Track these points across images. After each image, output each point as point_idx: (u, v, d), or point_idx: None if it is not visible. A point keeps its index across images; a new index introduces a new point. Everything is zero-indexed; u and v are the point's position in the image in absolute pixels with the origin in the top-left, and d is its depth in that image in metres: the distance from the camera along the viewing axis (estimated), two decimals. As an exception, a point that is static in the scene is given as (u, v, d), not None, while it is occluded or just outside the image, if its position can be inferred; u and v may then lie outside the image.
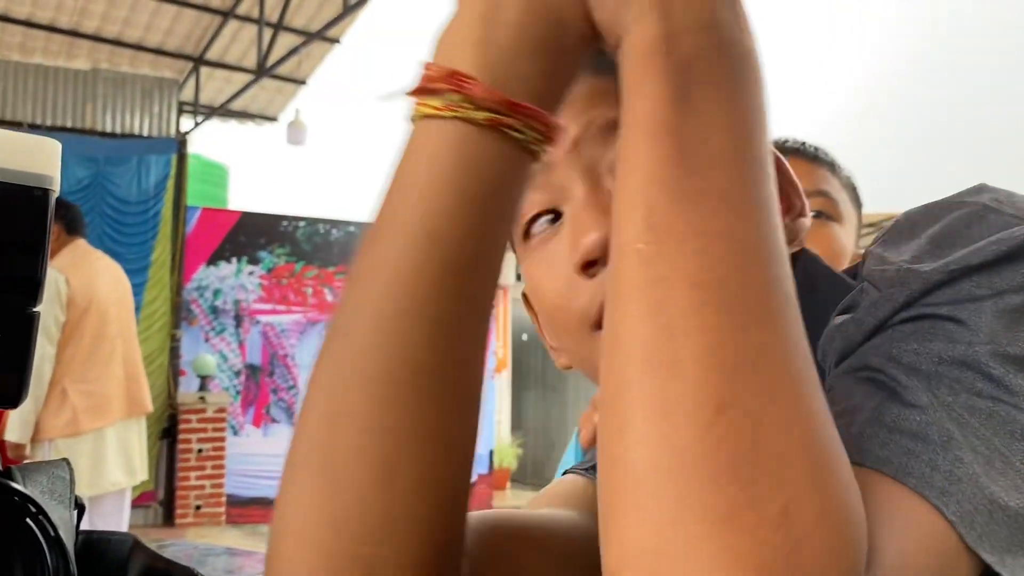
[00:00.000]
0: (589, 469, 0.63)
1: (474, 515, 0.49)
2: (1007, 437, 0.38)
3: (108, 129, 7.10)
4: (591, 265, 0.50)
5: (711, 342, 0.31)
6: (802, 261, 0.58)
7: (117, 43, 6.77)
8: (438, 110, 0.39)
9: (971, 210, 0.45)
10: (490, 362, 7.75)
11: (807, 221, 0.59)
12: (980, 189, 0.48)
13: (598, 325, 0.50)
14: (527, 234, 0.55)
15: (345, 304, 0.39)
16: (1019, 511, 0.37)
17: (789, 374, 0.32)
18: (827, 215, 1.22)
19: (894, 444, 0.38)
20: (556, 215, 0.54)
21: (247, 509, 6.79)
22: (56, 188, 0.40)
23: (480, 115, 0.38)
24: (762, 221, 0.35)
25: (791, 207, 0.59)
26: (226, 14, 6.37)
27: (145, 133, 7.23)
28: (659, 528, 0.30)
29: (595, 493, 0.59)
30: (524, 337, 9.65)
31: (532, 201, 0.54)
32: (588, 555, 0.52)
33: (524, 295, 0.64)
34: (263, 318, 7.09)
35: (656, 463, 0.31)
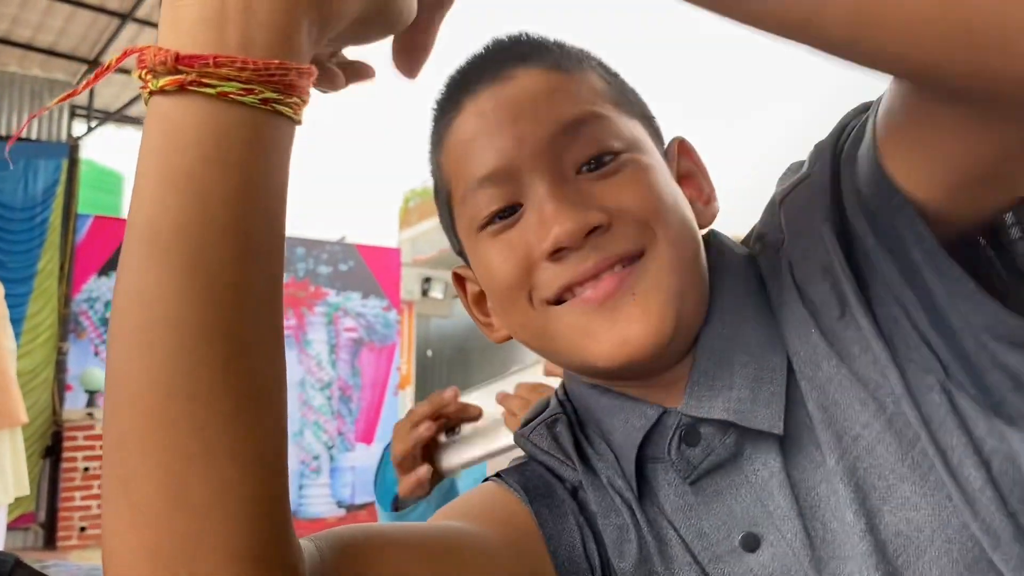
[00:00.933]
0: (511, 471, 0.63)
1: (338, 530, 0.48)
2: None
3: (-7, 131, 6.76)
4: (558, 251, 0.56)
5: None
6: (715, 244, 0.63)
7: (5, 42, 6.45)
8: (142, 90, 0.38)
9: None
10: (394, 378, 7.72)
11: (717, 205, 0.65)
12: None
13: (556, 301, 0.57)
14: (486, 225, 0.60)
15: (113, 326, 0.38)
16: None
17: None
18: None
19: None
20: (513, 208, 0.59)
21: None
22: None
23: (162, 81, 0.37)
24: None
25: (700, 193, 0.65)
26: (124, 16, 6.16)
27: (33, 137, 6.90)
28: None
29: (505, 504, 0.60)
30: (429, 353, 9.60)
31: (494, 196, 0.59)
32: (463, 571, 0.51)
33: (455, 274, 0.70)
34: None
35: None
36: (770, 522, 0.53)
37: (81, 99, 7.14)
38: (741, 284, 0.59)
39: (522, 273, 0.58)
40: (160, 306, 0.36)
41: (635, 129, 0.62)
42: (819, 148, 0.58)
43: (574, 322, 0.57)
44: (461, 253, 0.67)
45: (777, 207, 0.60)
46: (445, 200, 0.64)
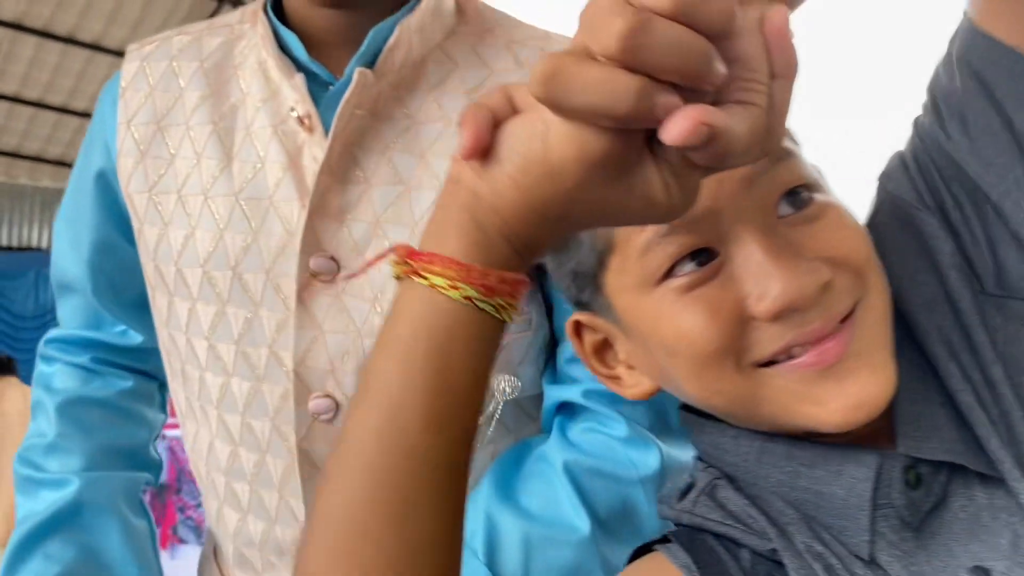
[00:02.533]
0: (680, 537, 0.56)
1: None
2: None
3: (4, 243, 6.86)
4: (781, 312, 0.51)
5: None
6: None
7: (15, 155, 6.62)
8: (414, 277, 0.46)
9: None
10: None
11: None
12: None
13: (766, 363, 0.52)
14: (668, 274, 0.53)
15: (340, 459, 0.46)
16: None
17: None
18: None
19: None
20: (706, 255, 0.53)
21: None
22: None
23: (397, 269, 0.47)
24: None
25: None
26: (131, 125, 6.32)
27: (44, 246, 7.00)
28: None
29: None
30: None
31: (686, 242, 0.52)
32: None
33: (575, 322, 0.62)
34: (169, 432, 6.74)
35: None
36: (994, 552, 0.51)
37: (90, 207, 7.26)
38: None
39: (731, 334, 0.52)
40: (355, 444, 0.45)
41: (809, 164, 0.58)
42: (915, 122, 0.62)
43: (790, 387, 0.52)
44: (581, 302, 0.62)
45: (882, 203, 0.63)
46: (599, 250, 0.57)
